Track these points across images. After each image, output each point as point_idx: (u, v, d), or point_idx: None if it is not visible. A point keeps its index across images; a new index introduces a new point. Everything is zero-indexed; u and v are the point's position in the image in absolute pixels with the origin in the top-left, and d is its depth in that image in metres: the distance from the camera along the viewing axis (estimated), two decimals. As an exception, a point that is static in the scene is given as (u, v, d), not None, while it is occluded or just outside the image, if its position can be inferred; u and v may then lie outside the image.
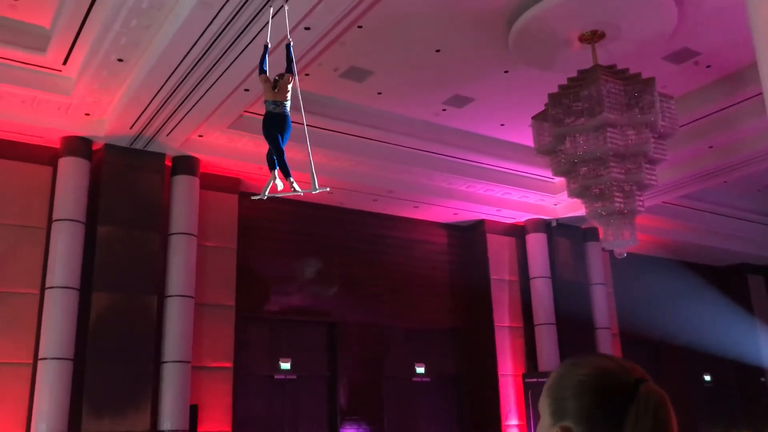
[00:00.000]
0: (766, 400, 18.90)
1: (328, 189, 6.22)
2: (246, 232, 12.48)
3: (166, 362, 10.66)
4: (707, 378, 19.28)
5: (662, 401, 1.13)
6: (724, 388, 19.28)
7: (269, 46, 6.62)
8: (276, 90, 6.25)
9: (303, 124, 6.40)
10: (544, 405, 1.19)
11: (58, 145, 10.71)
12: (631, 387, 1.12)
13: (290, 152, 11.10)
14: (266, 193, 6.24)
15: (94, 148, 10.87)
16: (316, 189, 6.19)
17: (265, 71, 6.48)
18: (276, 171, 6.19)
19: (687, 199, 15.27)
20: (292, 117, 6.36)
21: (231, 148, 11.57)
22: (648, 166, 8.99)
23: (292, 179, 6.20)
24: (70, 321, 10.08)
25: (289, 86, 6.24)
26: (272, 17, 6.91)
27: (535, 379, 14.20)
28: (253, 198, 6.52)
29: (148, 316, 10.56)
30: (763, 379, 18.84)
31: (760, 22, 4.44)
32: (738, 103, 11.18)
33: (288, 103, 6.21)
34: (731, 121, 11.63)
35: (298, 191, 6.24)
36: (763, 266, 19.83)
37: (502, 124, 12.70)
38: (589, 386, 1.14)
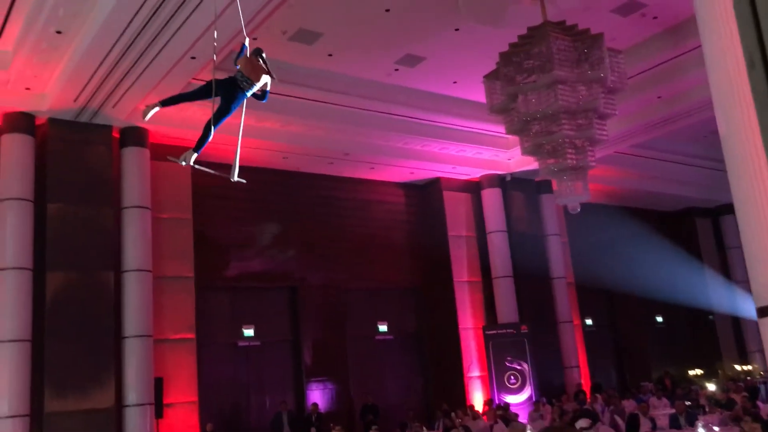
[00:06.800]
0: (714, 337, 19.75)
1: (244, 181, 6.13)
2: (201, 201, 12.30)
3: (127, 337, 10.57)
4: (659, 319, 20.01)
5: None
6: (676, 329, 20.05)
7: (246, 46, 6.24)
8: (251, 68, 5.87)
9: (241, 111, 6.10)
10: None
11: (-1, 122, 10.34)
12: None
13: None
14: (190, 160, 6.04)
15: (37, 123, 10.52)
16: (234, 178, 6.16)
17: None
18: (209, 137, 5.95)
19: (636, 147, 15.53)
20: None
21: (181, 117, 11.24)
22: (598, 121, 9.12)
23: (196, 154, 6.02)
24: (25, 302, 9.90)
25: (264, 79, 5.92)
26: None
27: (494, 331, 14.50)
28: (169, 159, 6.26)
29: (105, 292, 10.41)
30: (711, 317, 19.64)
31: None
32: (684, 53, 11.32)
33: (253, 89, 5.93)
34: (678, 70, 11.80)
35: (187, 163, 6.06)
36: (710, 209, 20.47)
37: (455, 82, 12.68)
38: None
